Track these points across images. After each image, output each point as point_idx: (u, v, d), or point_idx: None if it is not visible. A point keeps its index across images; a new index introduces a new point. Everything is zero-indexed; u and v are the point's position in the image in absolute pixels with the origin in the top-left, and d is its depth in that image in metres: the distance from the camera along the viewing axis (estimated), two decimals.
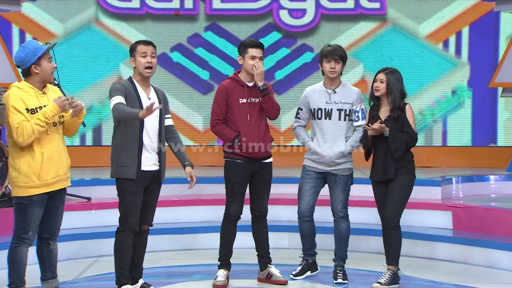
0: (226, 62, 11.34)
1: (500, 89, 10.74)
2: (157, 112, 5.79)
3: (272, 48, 11.33)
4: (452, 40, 11.34)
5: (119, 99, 5.69)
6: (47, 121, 5.25)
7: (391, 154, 6.26)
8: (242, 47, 6.37)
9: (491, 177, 9.44)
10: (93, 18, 11.39)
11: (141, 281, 6.04)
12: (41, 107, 5.32)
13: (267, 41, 11.05)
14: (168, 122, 6.05)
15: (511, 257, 7.11)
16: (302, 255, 6.69)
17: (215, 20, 11.49)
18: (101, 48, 11.32)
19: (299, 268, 6.67)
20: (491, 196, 9.13)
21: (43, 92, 5.41)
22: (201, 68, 11.44)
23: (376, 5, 11.40)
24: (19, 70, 5.49)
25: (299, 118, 6.61)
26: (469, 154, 11.17)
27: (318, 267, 6.70)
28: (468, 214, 7.94)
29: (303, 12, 11.45)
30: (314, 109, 6.49)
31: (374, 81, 6.37)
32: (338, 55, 6.42)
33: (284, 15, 11.44)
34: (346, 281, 6.46)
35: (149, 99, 5.83)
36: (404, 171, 6.30)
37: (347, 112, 6.46)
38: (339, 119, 6.45)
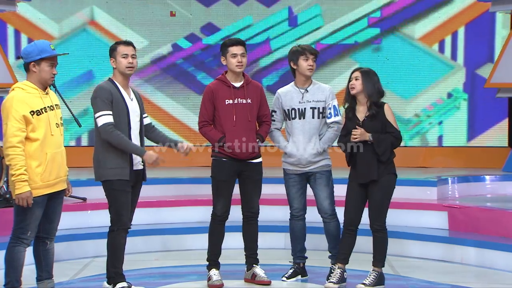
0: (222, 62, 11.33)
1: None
2: (138, 113, 5.92)
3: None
4: (448, 40, 11.36)
5: (109, 118, 5.72)
6: (12, 171, 5.16)
7: (375, 156, 6.13)
8: (223, 47, 6.39)
9: (487, 177, 9.44)
10: (88, 19, 11.43)
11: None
12: (45, 108, 5.30)
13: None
14: (147, 120, 6.12)
15: (506, 257, 7.11)
16: (292, 260, 6.65)
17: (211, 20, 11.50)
18: (96, 49, 11.32)
19: (291, 271, 6.62)
20: (487, 196, 9.13)
21: (46, 93, 5.40)
22: (197, 68, 11.44)
23: None
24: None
25: (273, 121, 6.57)
26: (464, 155, 11.18)
27: (307, 273, 6.65)
28: (464, 214, 7.94)
29: None
30: (288, 109, 6.48)
31: (349, 80, 6.26)
32: (315, 53, 6.42)
33: None
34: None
35: (132, 100, 5.91)
36: (385, 172, 6.18)
37: (321, 110, 6.44)
38: (313, 117, 6.43)
